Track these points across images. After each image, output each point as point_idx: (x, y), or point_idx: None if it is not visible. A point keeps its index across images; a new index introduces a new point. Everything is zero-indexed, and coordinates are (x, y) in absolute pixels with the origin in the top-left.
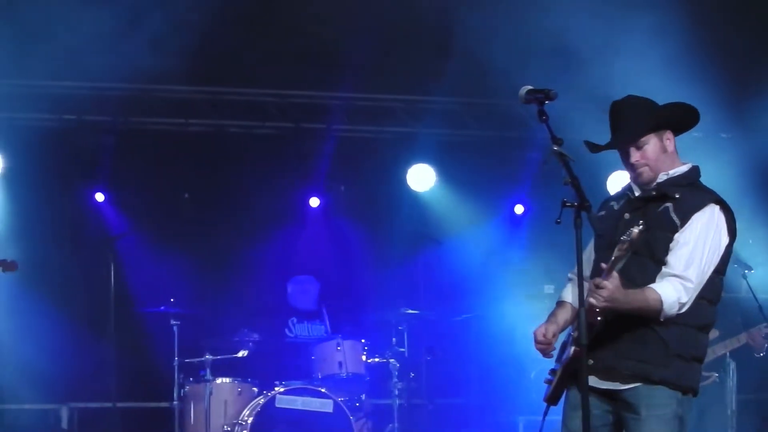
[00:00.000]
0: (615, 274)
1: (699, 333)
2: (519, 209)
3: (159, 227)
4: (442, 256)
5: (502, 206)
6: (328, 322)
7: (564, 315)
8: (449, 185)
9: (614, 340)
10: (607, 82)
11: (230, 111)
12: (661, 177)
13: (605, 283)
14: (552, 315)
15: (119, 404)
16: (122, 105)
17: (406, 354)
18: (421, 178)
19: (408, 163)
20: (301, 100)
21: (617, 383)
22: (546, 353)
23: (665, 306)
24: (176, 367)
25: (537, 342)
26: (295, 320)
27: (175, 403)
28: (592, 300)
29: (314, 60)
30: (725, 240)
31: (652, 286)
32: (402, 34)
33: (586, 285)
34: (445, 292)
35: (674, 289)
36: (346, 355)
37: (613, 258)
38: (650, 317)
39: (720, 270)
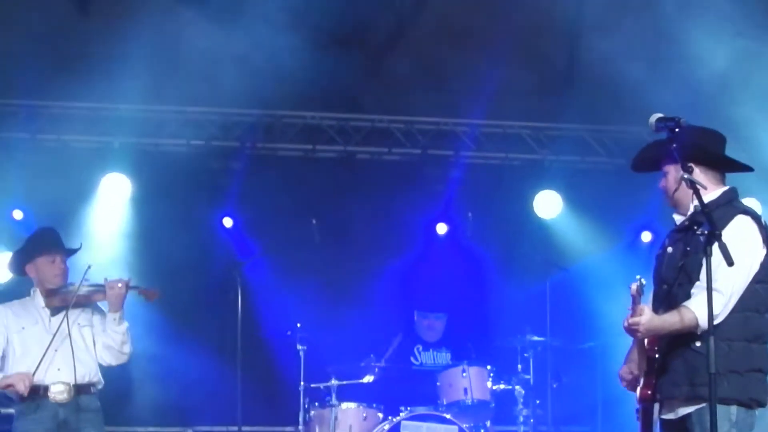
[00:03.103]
0: (642, 306)
1: (751, 345)
2: (646, 237)
3: (286, 252)
4: (569, 283)
5: (629, 234)
6: (453, 350)
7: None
8: (576, 212)
9: (668, 369)
10: (737, 109)
11: (358, 137)
12: (692, 207)
13: (636, 319)
14: (630, 353)
15: (244, 428)
16: (251, 130)
17: (532, 381)
18: (548, 204)
19: (535, 189)
20: (429, 127)
21: (679, 410)
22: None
23: (700, 320)
24: (302, 392)
25: (623, 380)
26: (420, 348)
27: (300, 427)
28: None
29: (442, 87)
30: (760, 249)
31: (685, 304)
32: (530, 61)
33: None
34: (571, 319)
35: (706, 301)
36: (472, 382)
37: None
38: (692, 333)
39: (762, 280)
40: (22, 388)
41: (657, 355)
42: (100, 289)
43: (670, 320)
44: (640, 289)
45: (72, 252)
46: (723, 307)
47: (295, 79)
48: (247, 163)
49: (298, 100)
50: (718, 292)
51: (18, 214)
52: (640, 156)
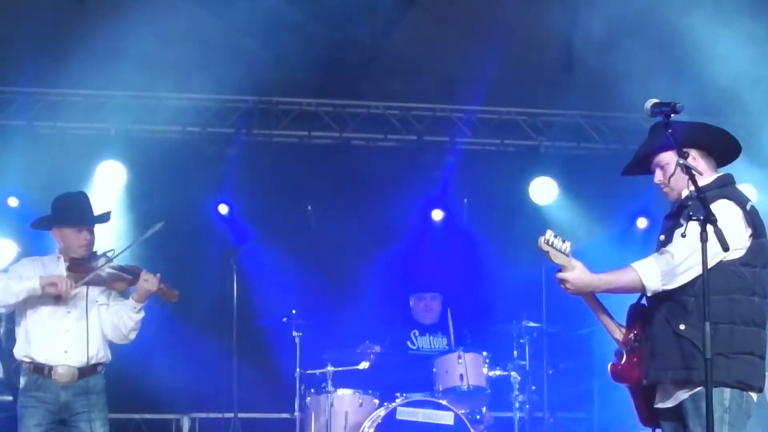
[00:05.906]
0: (573, 261)
1: (740, 327)
2: (642, 223)
3: (282, 239)
4: None
5: (624, 220)
6: (450, 335)
7: None
8: (572, 198)
9: (654, 354)
10: (736, 96)
11: (354, 124)
12: (684, 192)
13: (563, 274)
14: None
15: (240, 415)
16: (246, 117)
17: (528, 367)
18: (544, 191)
19: (531, 175)
20: (425, 113)
21: (672, 399)
22: None
23: (643, 276)
24: (298, 378)
25: None
26: (417, 333)
27: (296, 414)
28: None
29: (438, 73)
30: (742, 230)
31: (633, 263)
32: (525, 48)
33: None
34: (567, 305)
35: (653, 259)
36: (468, 368)
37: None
38: (677, 316)
39: (748, 263)
40: (64, 288)
41: (632, 336)
42: (124, 277)
43: (607, 278)
44: (553, 243)
45: (100, 221)
46: (669, 268)
47: (290, 65)
48: (242, 150)
49: (293, 87)
50: (667, 253)
51: (13, 201)
52: (632, 161)
